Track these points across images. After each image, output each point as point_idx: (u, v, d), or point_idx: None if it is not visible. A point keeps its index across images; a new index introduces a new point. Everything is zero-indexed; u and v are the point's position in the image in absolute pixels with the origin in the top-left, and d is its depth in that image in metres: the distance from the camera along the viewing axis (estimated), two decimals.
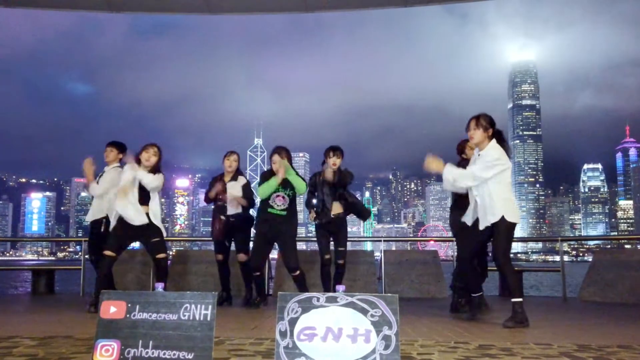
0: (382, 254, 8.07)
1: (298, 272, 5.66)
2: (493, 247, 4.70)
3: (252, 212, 6.30)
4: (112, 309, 2.52)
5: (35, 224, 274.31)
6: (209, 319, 2.43)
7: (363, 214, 6.14)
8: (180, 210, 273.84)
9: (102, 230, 5.87)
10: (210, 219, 6.49)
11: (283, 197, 5.63)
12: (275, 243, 5.88)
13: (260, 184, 5.85)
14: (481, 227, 4.66)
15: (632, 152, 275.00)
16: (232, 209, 6.14)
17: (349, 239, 6.13)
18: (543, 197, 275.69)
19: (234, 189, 6.13)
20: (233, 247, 6.38)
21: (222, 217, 6.13)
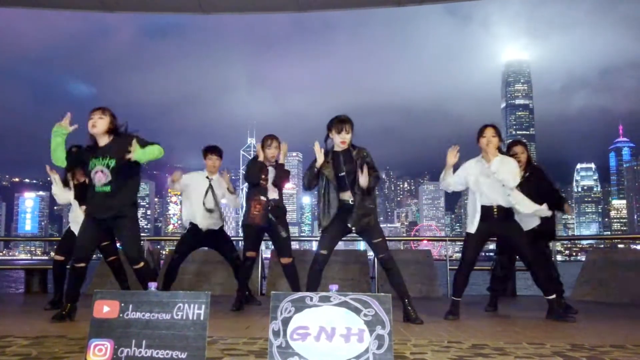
0: None
1: (141, 264, 4.51)
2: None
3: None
4: (105, 308, 2.52)
5: (28, 224, 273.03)
6: (202, 318, 2.43)
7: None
8: (174, 209, 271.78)
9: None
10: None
11: (102, 172, 4.40)
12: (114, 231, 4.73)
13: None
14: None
15: (625, 151, 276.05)
16: (271, 194, 5.25)
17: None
18: None
19: (272, 173, 5.26)
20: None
21: (263, 198, 5.16)
